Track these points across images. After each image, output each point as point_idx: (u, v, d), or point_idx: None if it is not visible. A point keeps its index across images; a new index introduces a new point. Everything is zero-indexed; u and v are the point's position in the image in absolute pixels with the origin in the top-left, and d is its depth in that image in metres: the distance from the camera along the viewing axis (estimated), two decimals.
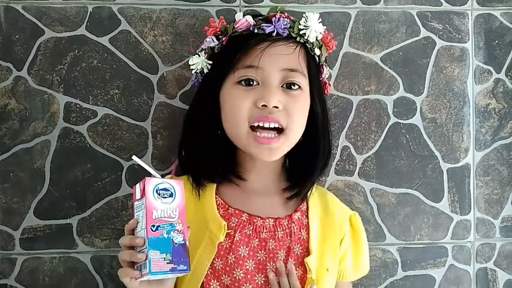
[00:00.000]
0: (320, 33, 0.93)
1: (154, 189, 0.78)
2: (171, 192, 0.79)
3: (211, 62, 0.94)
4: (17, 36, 1.05)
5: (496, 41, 1.16)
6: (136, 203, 0.80)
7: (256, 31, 0.89)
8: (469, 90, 1.15)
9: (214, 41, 0.93)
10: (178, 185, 0.81)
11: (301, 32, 0.91)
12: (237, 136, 0.90)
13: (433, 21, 1.14)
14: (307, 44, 0.92)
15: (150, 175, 0.82)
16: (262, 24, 0.89)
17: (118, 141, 1.07)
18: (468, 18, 1.15)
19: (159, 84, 1.08)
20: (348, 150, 1.12)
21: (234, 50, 0.89)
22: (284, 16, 0.91)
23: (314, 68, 0.93)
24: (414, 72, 1.14)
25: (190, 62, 0.96)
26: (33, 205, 1.06)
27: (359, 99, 1.12)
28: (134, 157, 0.83)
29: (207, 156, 0.93)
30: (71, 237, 1.06)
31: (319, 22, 0.92)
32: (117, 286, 1.07)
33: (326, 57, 0.97)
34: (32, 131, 1.06)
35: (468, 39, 1.15)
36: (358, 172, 1.13)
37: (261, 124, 0.87)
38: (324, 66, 0.97)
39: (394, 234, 1.13)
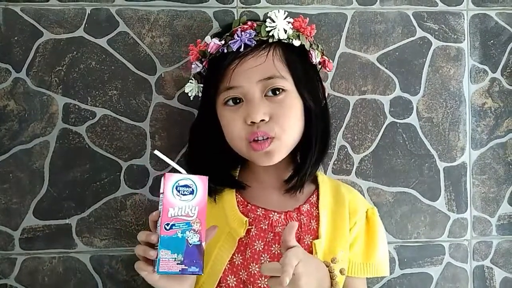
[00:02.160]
0: (290, 28, 0.91)
1: (174, 185, 0.77)
2: (192, 189, 0.78)
3: (202, 86, 0.97)
4: (15, 38, 1.06)
5: (492, 41, 1.17)
6: (160, 195, 0.79)
7: (226, 50, 0.90)
8: (465, 89, 1.16)
9: (199, 66, 0.96)
10: (201, 182, 0.79)
11: (270, 34, 0.90)
12: (240, 152, 0.94)
13: (429, 21, 1.15)
14: (284, 41, 0.91)
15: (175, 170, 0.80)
16: (230, 42, 0.89)
17: (117, 142, 1.08)
18: (463, 18, 1.16)
19: (157, 85, 1.09)
20: (345, 149, 1.13)
21: (212, 74, 0.92)
22: (247, 27, 0.90)
23: (296, 63, 0.92)
24: (410, 72, 1.14)
25: (186, 91, 1.00)
26: (32, 206, 1.06)
27: (355, 99, 1.13)
28: (156, 152, 0.81)
29: (217, 170, 0.94)
30: (70, 237, 1.07)
31: (285, 18, 0.90)
32: (117, 286, 1.08)
33: (311, 41, 0.95)
34: (31, 132, 1.06)
35: (464, 39, 1.16)
36: (355, 171, 1.13)
37: (255, 139, 0.90)
38: (311, 51, 0.94)
39: (391, 232, 1.14)
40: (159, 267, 0.75)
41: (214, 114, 0.95)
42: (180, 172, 0.80)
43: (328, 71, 1.02)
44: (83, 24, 1.07)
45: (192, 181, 0.78)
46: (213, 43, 0.91)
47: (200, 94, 0.99)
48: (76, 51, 1.07)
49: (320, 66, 0.99)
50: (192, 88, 0.99)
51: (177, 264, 0.75)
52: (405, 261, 1.14)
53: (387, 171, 1.14)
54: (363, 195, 1.12)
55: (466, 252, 1.16)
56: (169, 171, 0.88)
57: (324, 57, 0.98)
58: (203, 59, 0.95)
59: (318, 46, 0.97)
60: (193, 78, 0.99)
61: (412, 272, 1.14)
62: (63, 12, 1.07)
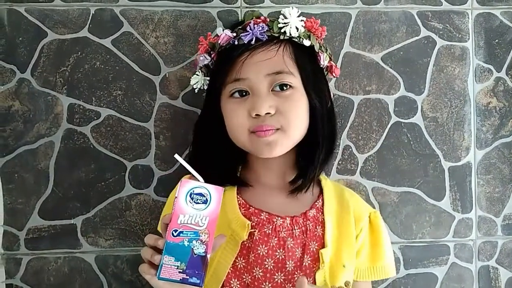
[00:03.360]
0: (302, 26, 0.92)
1: (188, 192, 0.76)
2: (206, 199, 0.76)
3: (208, 78, 0.97)
4: (20, 39, 1.06)
5: (496, 40, 1.16)
6: (175, 199, 0.78)
7: (237, 42, 0.90)
8: (470, 89, 1.16)
9: (207, 58, 0.96)
10: (216, 193, 0.77)
11: (282, 30, 0.90)
12: (241, 143, 0.93)
13: (433, 20, 1.14)
14: (295, 39, 0.91)
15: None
16: (241, 35, 0.90)
17: (121, 142, 1.08)
18: (468, 17, 1.15)
19: (161, 85, 1.09)
20: (350, 149, 1.13)
21: (221, 66, 0.92)
22: (260, 21, 0.91)
23: (305, 62, 0.92)
24: (415, 72, 1.14)
25: (191, 83, 1.00)
26: (37, 206, 1.06)
27: (360, 99, 1.13)
28: (176, 156, 0.80)
29: (218, 165, 0.94)
30: (75, 237, 1.07)
31: (298, 16, 0.91)
32: (122, 286, 1.08)
33: (321, 44, 0.96)
34: (36, 133, 1.07)
35: (469, 38, 1.15)
36: (360, 171, 1.13)
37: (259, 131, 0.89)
38: (320, 53, 0.95)
39: (396, 232, 1.13)
40: (160, 272, 0.74)
41: (218, 108, 0.94)
42: (197, 180, 0.79)
43: (335, 76, 1.02)
44: (88, 25, 1.07)
45: (208, 190, 0.77)
46: (224, 35, 0.91)
47: (205, 87, 0.98)
48: (80, 52, 1.07)
49: (327, 72, 0.99)
50: (198, 80, 0.98)
51: (179, 272, 0.74)
52: (410, 261, 1.14)
53: (391, 171, 1.13)
54: (368, 195, 1.13)
55: (471, 252, 1.15)
56: (178, 173, 0.87)
57: (331, 62, 0.99)
58: (212, 52, 0.95)
59: (327, 49, 0.97)
60: (199, 71, 0.99)
61: (417, 272, 1.14)
62: (67, 12, 1.07)
